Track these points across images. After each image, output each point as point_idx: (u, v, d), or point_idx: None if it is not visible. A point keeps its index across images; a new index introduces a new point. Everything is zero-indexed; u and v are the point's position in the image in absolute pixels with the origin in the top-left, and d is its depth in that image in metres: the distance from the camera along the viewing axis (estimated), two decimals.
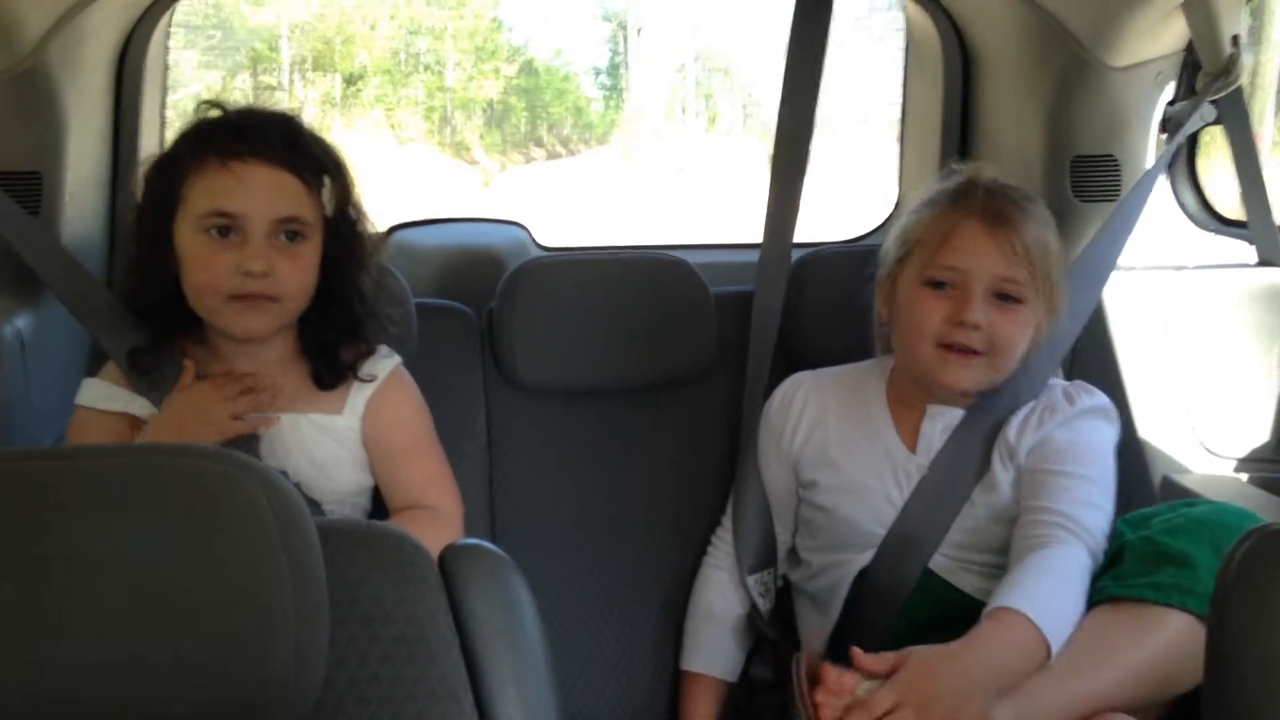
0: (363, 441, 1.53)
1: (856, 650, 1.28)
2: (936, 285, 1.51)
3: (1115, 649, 1.31)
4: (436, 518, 1.52)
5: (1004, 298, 1.50)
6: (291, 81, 11.07)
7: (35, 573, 0.78)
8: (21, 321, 1.68)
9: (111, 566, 0.78)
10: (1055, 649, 1.30)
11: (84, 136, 1.85)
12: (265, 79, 10.93)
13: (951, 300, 1.50)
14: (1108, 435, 1.55)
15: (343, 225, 1.50)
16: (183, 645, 0.80)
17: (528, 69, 12.76)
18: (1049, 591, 1.35)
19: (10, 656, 0.78)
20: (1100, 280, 1.76)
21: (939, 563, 1.53)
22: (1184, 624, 1.31)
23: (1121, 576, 1.37)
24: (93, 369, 1.57)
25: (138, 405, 1.48)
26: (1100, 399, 1.58)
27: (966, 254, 1.50)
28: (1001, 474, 1.53)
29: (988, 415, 1.56)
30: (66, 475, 0.80)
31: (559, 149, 12.73)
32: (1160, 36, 1.92)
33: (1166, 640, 1.31)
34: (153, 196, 1.47)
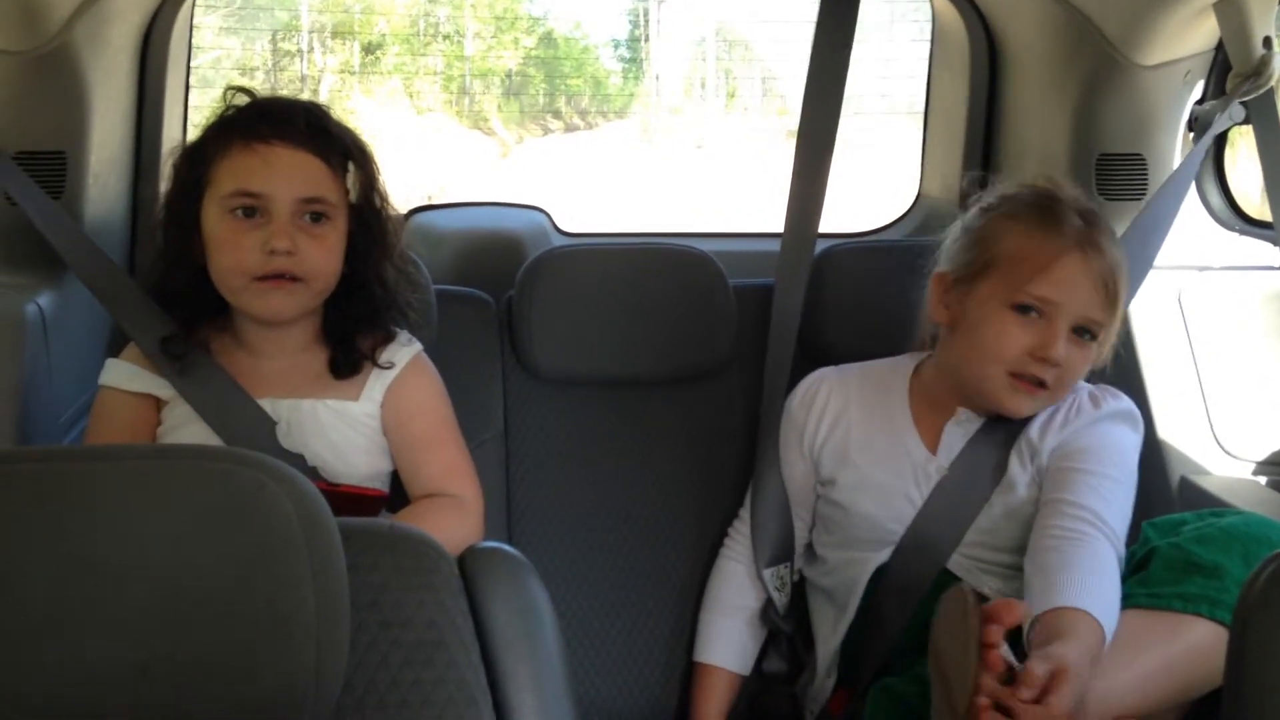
0: (382, 429, 1.54)
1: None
2: (1022, 310, 1.49)
3: (1139, 652, 1.31)
4: (457, 506, 1.53)
5: (1082, 332, 1.49)
6: (310, 49, 11.03)
7: (60, 573, 0.79)
8: (44, 299, 1.69)
9: (136, 567, 0.79)
10: (1106, 649, 1.30)
11: (108, 117, 1.85)
12: (285, 45, 10.89)
13: (1036, 330, 1.47)
14: (1132, 440, 1.55)
15: (367, 212, 1.51)
16: (205, 647, 0.80)
17: (547, 40, 12.68)
18: (1106, 592, 1.34)
19: (34, 655, 0.79)
20: (1135, 282, 1.74)
21: (956, 562, 1.53)
22: (1209, 631, 1.30)
23: (1149, 583, 1.36)
24: (114, 347, 1.59)
25: (160, 387, 1.50)
26: (1126, 403, 1.57)
27: (1063, 287, 1.47)
28: (1019, 474, 1.53)
29: (1010, 420, 1.56)
30: (93, 476, 0.81)
31: (577, 121, 12.67)
32: (1190, 36, 1.90)
33: (1190, 646, 1.31)
34: (180, 183, 1.48)
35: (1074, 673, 1.18)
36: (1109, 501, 1.43)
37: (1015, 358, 1.48)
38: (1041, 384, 1.49)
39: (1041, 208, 1.52)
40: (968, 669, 1.17)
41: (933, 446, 1.58)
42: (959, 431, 1.57)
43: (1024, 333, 1.48)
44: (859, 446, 1.61)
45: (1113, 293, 1.49)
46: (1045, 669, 1.17)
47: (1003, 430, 1.55)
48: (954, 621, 1.22)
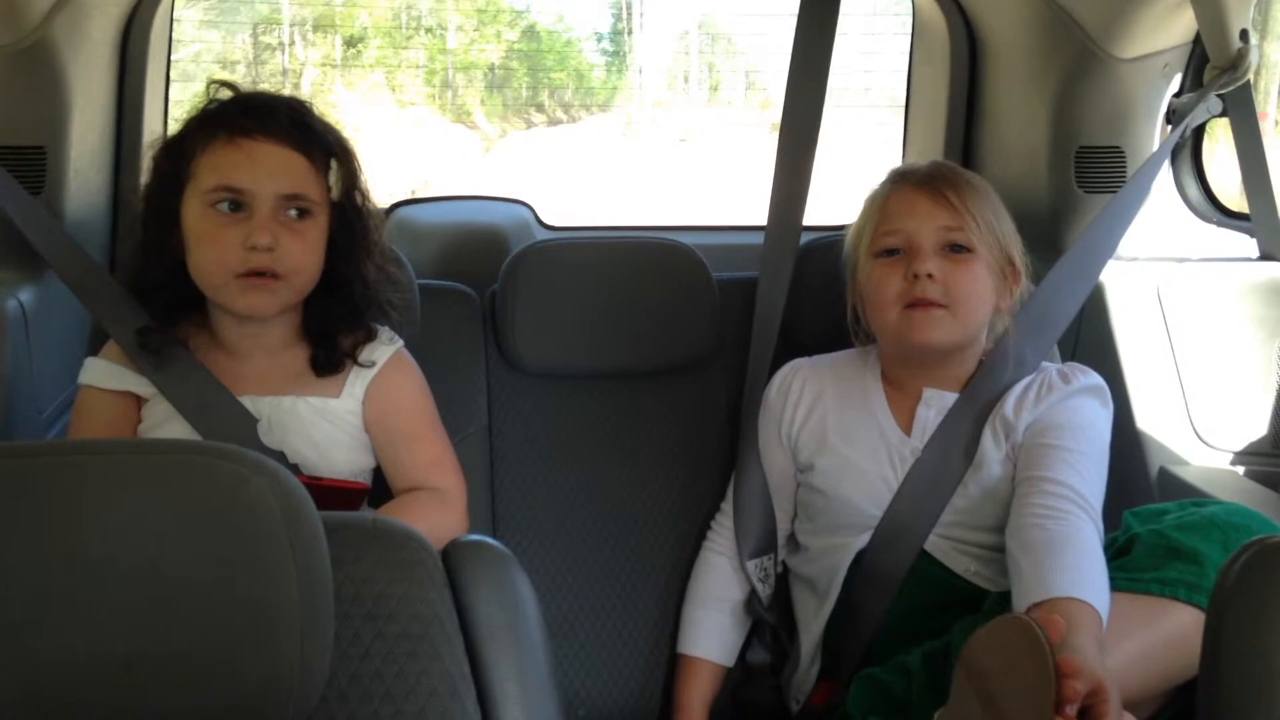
0: (364, 425, 1.54)
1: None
2: (889, 254, 1.56)
3: (1118, 638, 1.31)
4: (440, 499, 1.53)
5: (954, 248, 1.54)
6: (292, 42, 10.98)
7: (42, 567, 0.78)
8: (25, 295, 1.69)
9: (118, 562, 0.79)
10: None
11: (88, 111, 1.84)
12: (266, 39, 10.83)
13: (904, 262, 1.55)
14: (1102, 415, 1.57)
15: (349, 210, 1.50)
16: (188, 642, 0.80)
17: (530, 33, 12.65)
18: (1098, 576, 1.34)
19: (16, 651, 0.78)
20: (1097, 265, 1.76)
21: (934, 544, 1.54)
22: (1189, 616, 1.31)
23: (1130, 568, 1.37)
24: (95, 343, 1.58)
25: (141, 384, 1.49)
26: (1094, 378, 1.59)
27: (905, 215, 1.56)
28: (993, 452, 1.54)
29: (980, 397, 1.58)
30: (75, 471, 0.80)
31: (560, 115, 12.65)
32: (1168, 28, 1.92)
33: (1170, 631, 1.32)
34: (160, 176, 1.47)
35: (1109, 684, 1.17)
36: (1085, 477, 1.45)
37: (898, 291, 1.55)
38: (932, 303, 1.53)
39: (890, 177, 1.64)
40: (1039, 707, 1.12)
41: (907, 429, 1.59)
42: (930, 413, 1.59)
43: (895, 269, 1.56)
44: (836, 431, 1.62)
45: (962, 205, 1.54)
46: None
47: (974, 408, 1.57)
48: (1013, 651, 1.17)
